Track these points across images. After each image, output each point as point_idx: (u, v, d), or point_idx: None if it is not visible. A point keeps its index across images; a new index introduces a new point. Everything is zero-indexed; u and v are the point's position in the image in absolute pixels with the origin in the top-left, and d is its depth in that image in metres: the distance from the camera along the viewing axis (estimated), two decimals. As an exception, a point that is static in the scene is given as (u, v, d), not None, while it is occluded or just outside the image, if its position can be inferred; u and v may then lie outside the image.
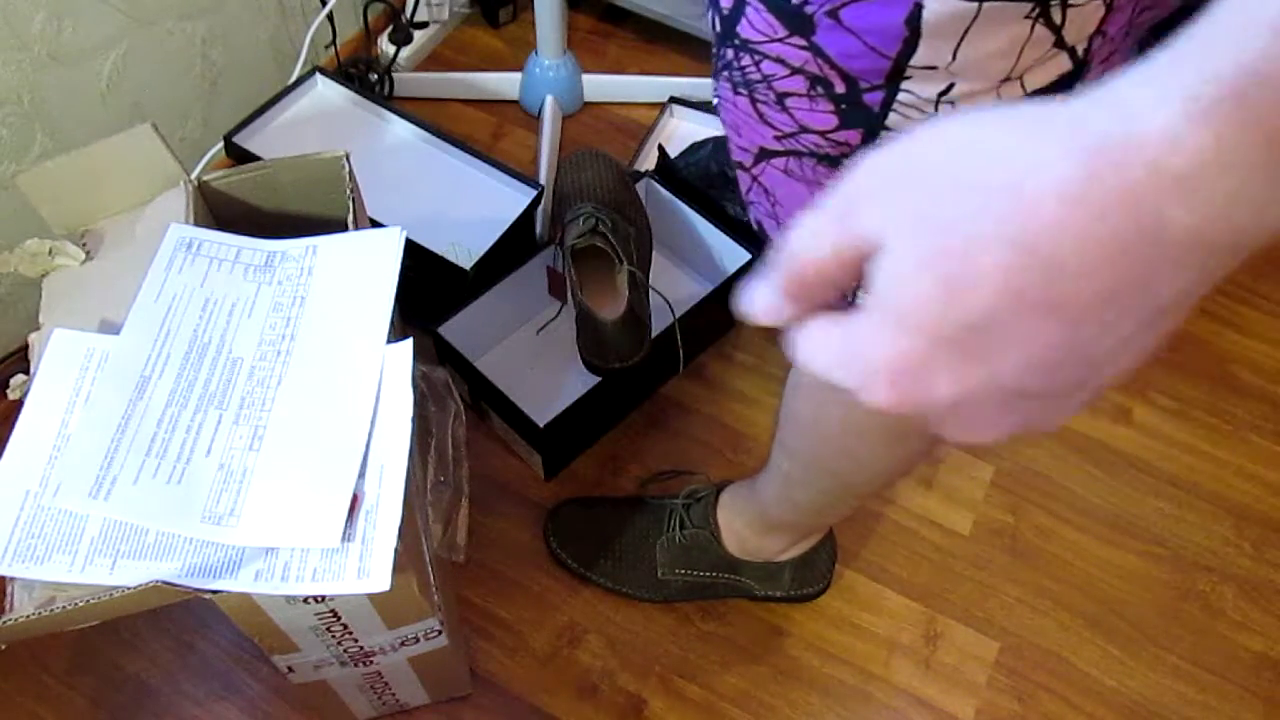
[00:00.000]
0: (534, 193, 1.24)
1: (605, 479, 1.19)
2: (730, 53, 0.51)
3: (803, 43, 0.46)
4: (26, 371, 0.72)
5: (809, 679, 1.06)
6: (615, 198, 1.17)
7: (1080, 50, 0.44)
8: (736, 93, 0.53)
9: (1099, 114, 0.24)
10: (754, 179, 0.59)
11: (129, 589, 0.61)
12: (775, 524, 0.99)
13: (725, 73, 0.53)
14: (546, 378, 1.21)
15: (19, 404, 0.69)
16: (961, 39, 0.42)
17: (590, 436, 1.20)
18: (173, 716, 1.02)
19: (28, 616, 0.61)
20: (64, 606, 0.61)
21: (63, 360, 0.71)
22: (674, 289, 1.23)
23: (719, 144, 1.31)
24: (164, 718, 1.02)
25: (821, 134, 0.50)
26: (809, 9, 0.45)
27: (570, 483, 1.19)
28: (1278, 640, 1.10)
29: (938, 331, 0.27)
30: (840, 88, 0.47)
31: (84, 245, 0.81)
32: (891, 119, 0.47)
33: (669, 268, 1.31)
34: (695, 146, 1.33)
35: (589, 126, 1.54)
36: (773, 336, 1.31)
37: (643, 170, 1.30)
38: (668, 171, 1.29)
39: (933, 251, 0.26)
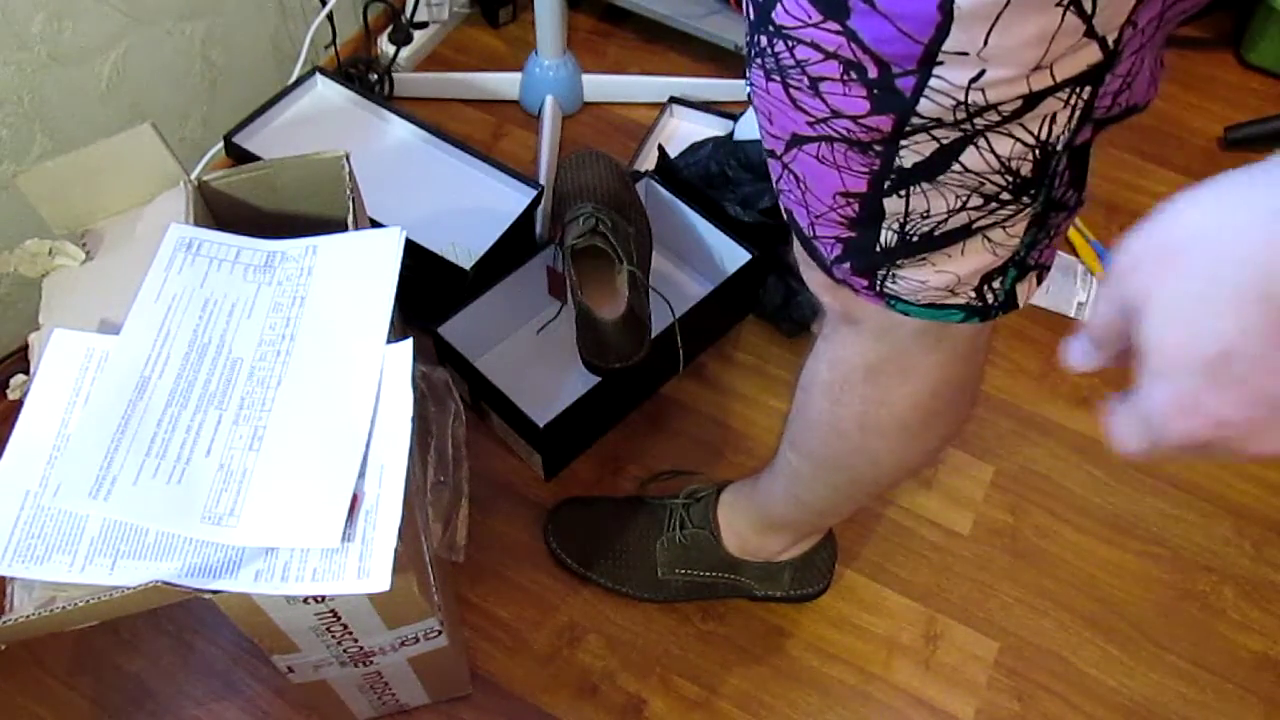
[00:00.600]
0: (534, 193, 1.24)
1: (605, 479, 1.19)
2: (764, 39, 0.52)
3: (837, 27, 0.47)
4: (26, 371, 0.72)
5: (809, 679, 1.06)
6: (615, 198, 1.17)
7: (1111, 40, 0.44)
8: (770, 79, 0.53)
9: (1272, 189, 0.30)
10: (785, 167, 0.59)
11: (129, 589, 0.61)
12: (778, 523, 0.99)
13: (759, 60, 0.53)
14: (546, 378, 1.21)
15: (19, 404, 0.69)
16: (993, 25, 0.43)
17: (590, 436, 1.21)
18: (173, 716, 1.02)
19: (28, 616, 0.61)
20: (64, 606, 0.61)
21: (63, 360, 0.71)
22: (674, 289, 1.23)
23: (719, 144, 1.32)
24: (164, 718, 1.02)
25: (854, 119, 0.51)
26: None
27: (570, 483, 1.19)
28: (1278, 640, 1.10)
29: (1194, 368, 0.33)
30: (873, 72, 0.48)
31: (84, 245, 0.81)
32: (923, 105, 0.48)
33: (669, 268, 1.32)
34: (695, 146, 1.34)
35: (589, 126, 1.54)
36: (773, 337, 1.31)
37: (643, 170, 1.30)
38: (668, 171, 1.29)
39: (1177, 306, 0.33)
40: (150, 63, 1.23)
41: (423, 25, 1.56)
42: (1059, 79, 0.45)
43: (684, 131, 1.49)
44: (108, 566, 0.62)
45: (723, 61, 1.58)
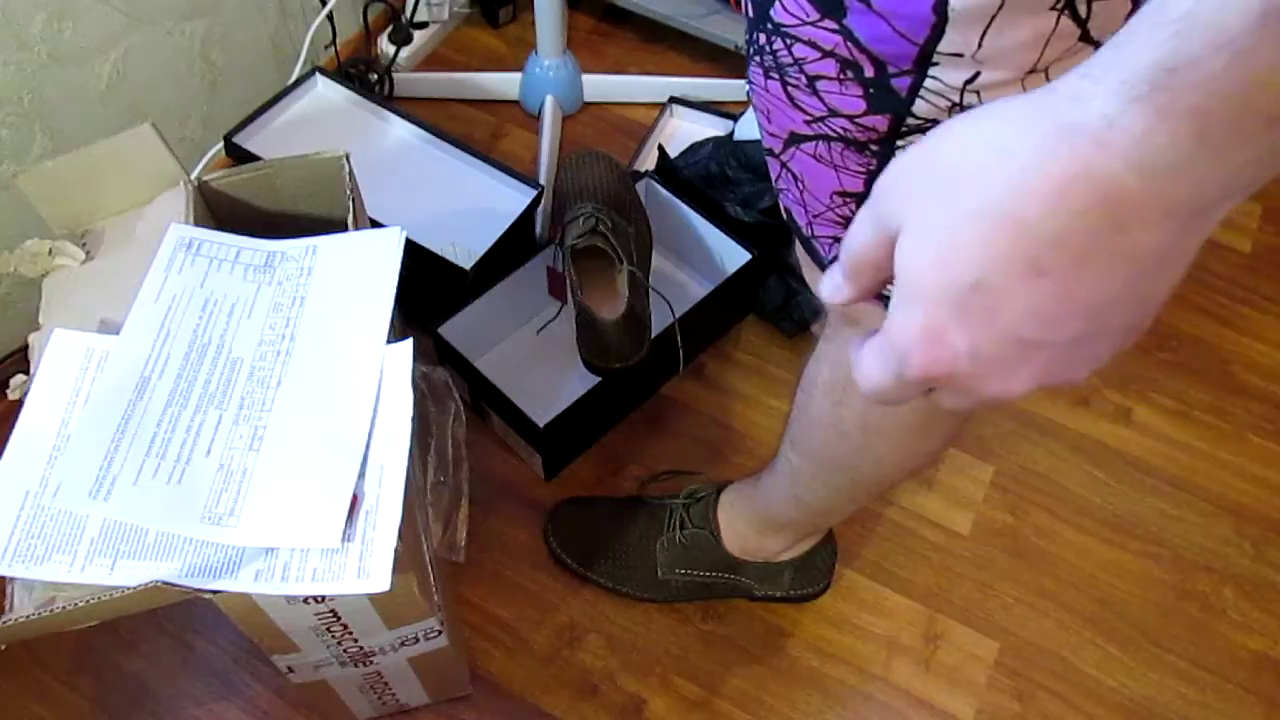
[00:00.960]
0: (534, 193, 1.24)
1: (605, 479, 1.19)
2: (763, 37, 0.52)
3: (834, 26, 0.47)
4: (26, 371, 0.72)
5: (809, 679, 1.06)
6: (615, 198, 1.17)
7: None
8: (769, 77, 0.54)
9: (1057, 102, 0.29)
10: (784, 165, 0.59)
11: (129, 589, 0.61)
12: (779, 523, 0.99)
13: (758, 58, 0.54)
14: (546, 378, 1.21)
15: (19, 404, 0.69)
16: (987, 27, 0.43)
17: (590, 436, 1.20)
18: (173, 716, 1.02)
19: (28, 616, 0.61)
20: (64, 606, 0.61)
21: (63, 360, 0.71)
22: (674, 289, 1.23)
23: (719, 144, 1.32)
24: (164, 718, 1.02)
25: (850, 118, 0.51)
26: None
27: (570, 483, 1.19)
28: (1278, 640, 1.10)
29: (942, 297, 0.31)
30: (870, 71, 0.48)
31: (84, 245, 0.81)
32: (918, 105, 0.48)
33: (669, 268, 1.31)
34: (695, 146, 1.33)
35: (589, 126, 1.54)
36: (773, 337, 1.31)
37: (643, 170, 1.30)
38: (668, 171, 1.29)
39: (927, 228, 0.31)
40: (150, 63, 1.23)
41: (423, 25, 1.56)
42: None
43: (684, 131, 1.49)
44: (108, 566, 0.62)
45: (723, 61, 1.58)
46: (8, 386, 0.74)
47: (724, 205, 1.23)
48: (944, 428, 0.76)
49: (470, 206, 1.26)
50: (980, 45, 0.43)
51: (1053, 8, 0.42)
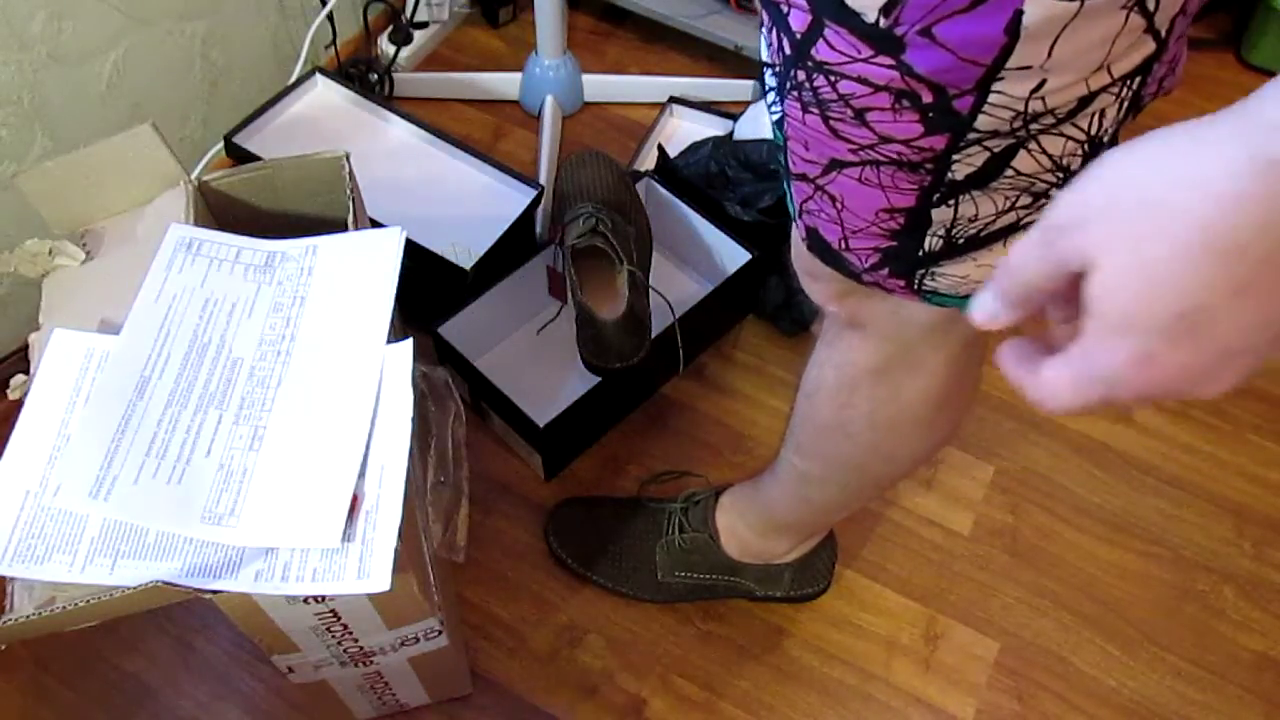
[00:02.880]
0: (534, 193, 1.24)
1: (605, 479, 1.19)
2: (801, 74, 0.50)
3: (890, 62, 0.46)
4: (26, 371, 0.72)
5: (809, 679, 1.06)
6: (615, 198, 1.17)
7: (1163, 32, 0.44)
8: (807, 111, 0.52)
9: (1253, 130, 0.30)
10: (818, 188, 0.58)
11: (129, 589, 0.61)
12: (783, 525, 0.99)
13: (795, 93, 0.52)
14: (546, 378, 1.21)
15: (19, 404, 0.69)
16: (1058, 36, 0.42)
17: (590, 436, 1.20)
18: (173, 716, 1.02)
19: (28, 616, 0.61)
20: (64, 606, 0.61)
21: (63, 360, 0.71)
22: (674, 289, 1.23)
23: (719, 144, 1.31)
24: (164, 718, 1.02)
25: (905, 142, 0.50)
26: (899, 30, 0.44)
27: (570, 483, 1.19)
28: (1278, 640, 1.10)
29: (1152, 327, 0.32)
30: (928, 98, 0.47)
31: (84, 245, 0.81)
32: (980, 120, 0.47)
33: (669, 268, 1.31)
34: (695, 146, 1.33)
35: (589, 126, 1.54)
36: (773, 337, 1.31)
37: (643, 170, 1.30)
38: (668, 171, 1.29)
39: (1131, 265, 0.32)
40: (150, 63, 1.23)
41: (423, 25, 1.56)
42: (1116, 75, 0.45)
43: (684, 131, 1.49)
44: (108, 566, 0.62)
45: (723, 61, 1.58)
46: (8, 386, 0.74)
47: (724, 205, 1.23)
48: (953, 417, 0.76)
49: (470, 206, 1.26)
50: (1050, 55, 0.43)
51: (1123, 6, 0.41)
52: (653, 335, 1.10)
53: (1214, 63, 1.64)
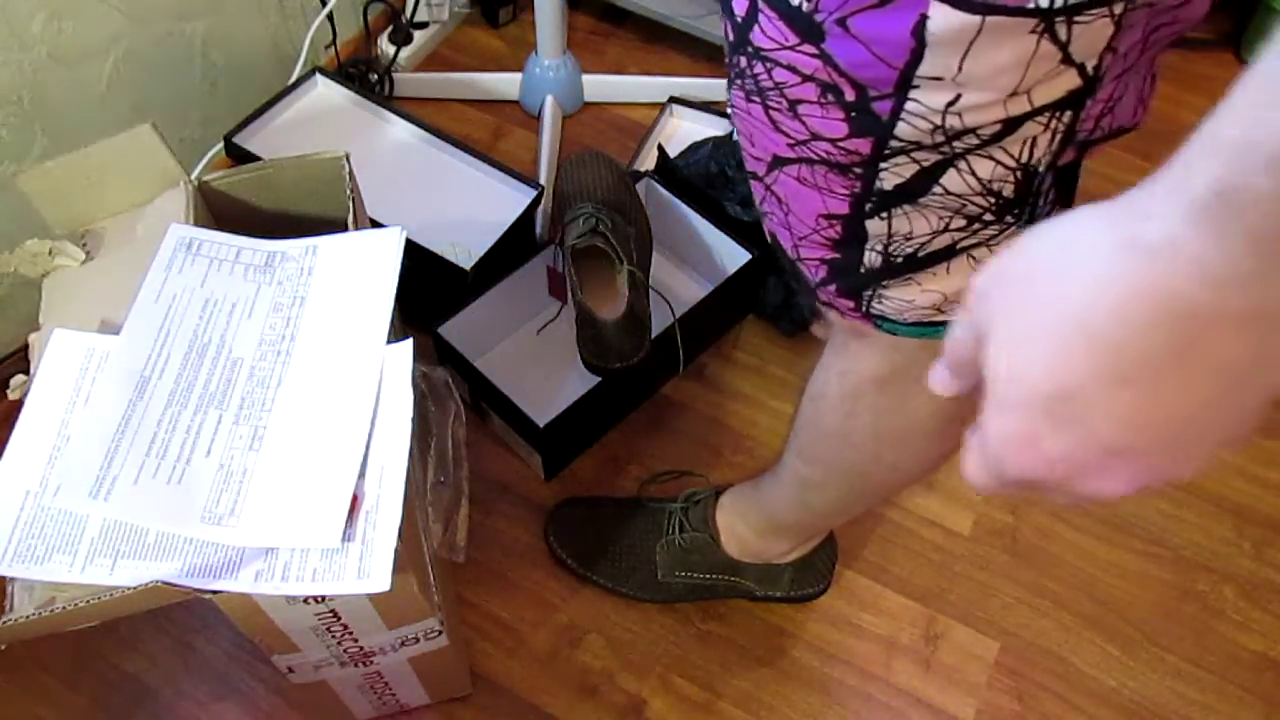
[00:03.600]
0: (534, 193, 1.24)
1: (605, 479, 1.19)
2: (744, 60, 0.51)
3: (814, 50, 0.46)
4: (26, 371, 0.72)
5: (809, 679, 1.06)
6: (615, 198, 1.17)
7: (1090, 67, 0.44)
8: (750, 100, 0.53)
9: (1129, 218, 0.30)
10: (768, 188, 0.59)
11: (129, 589, 0.61)
12: (783, 527, 0.99)
13: (739, 81, 0.53)
14: (546, 378, 1.21)
15: (19, 404, 0.69)
16: (967, 51, 0.42)
17: (590, 436, 1.20)
18: (173, 716, 1.02)
19: (28, 616, 0.61)
20: (64, 606, 0.61)
21: (63, 360, 0.71)
22: (674, 289, 1.23)
23: (719, 144, 1.31)
24: (164, 718, 1.02)
25: (833, 142, 0.50)
26: (819, 17, 0.45)
27: (570, 483, 1.19)
28: (1278, 640, 1.10)
29: (1030, 404, 0.32)
30: (850, 95, 0.47)
31: (84, 245, 0.81)
32: (900, 128, 0.47)
33: (669, 268, 1.31)
34: (695, 146, 1.33)
35: (589, 126, 1.54)
36: (773, 337, 1.31)
37: (643, 170, 1.30)
38: (668, 171, 1.29)
39: (1009, 338, 0.32)
40: (150, 63, 1.23)
41: (423, 25, 1.56)
42: (1037, 104, 0.45)
43: (684, 131, 1.49)
44: (108, 566, 0.62)
45: (722, 61, 1.57)
46: (8, 386, 0.74)
47: (724, 205, 1.23)
48: (958, 430, 0.75)
49: (470, 207, 1.26)
50: (960, 69, 0.43)
51: (1032, 31, 0.41)
52: (653, 335, 1.10)
53: (1213, 63, 1.64)
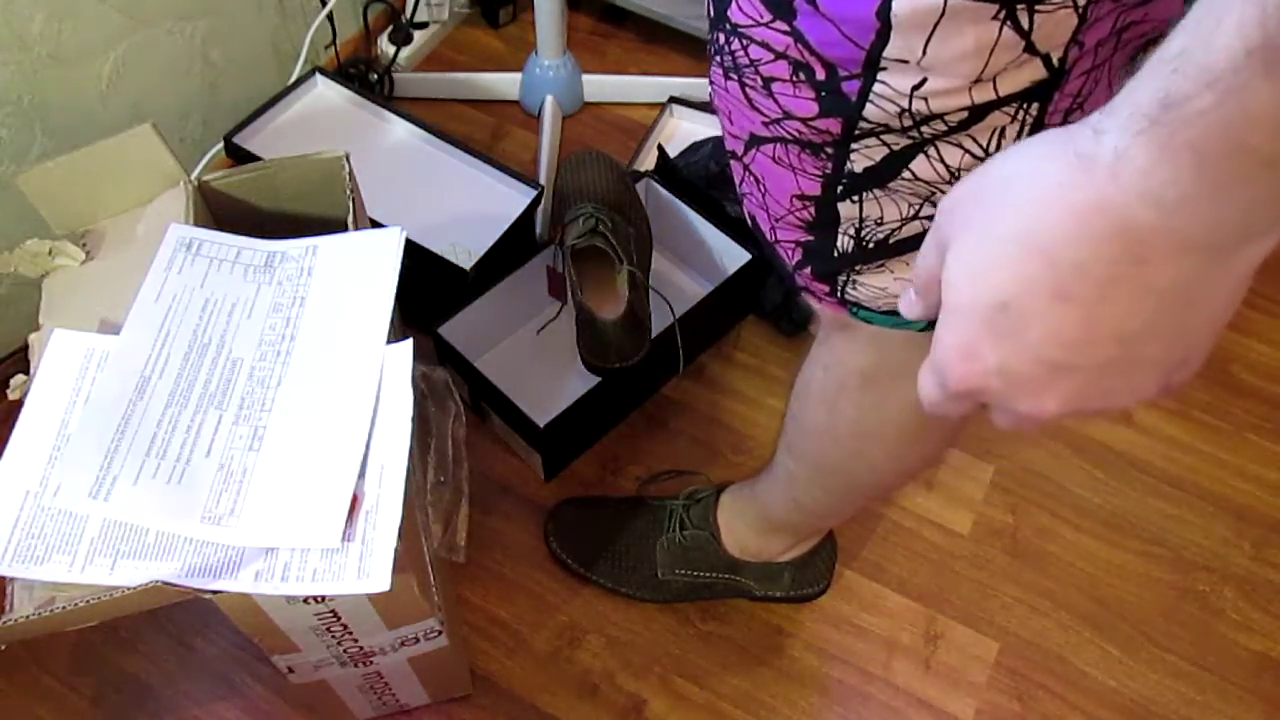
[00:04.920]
0: (534, 193, 1.24)
1: (605, 479, 1.19)
2: (722, 37, 0.53)
3: (785, 27, 0.47)
4: (26, 371, 0.72)
5: (809, 679, 1.06)
6: (615, 198, 1.17)
7: (1055, 59, 0.44)
8: (728, 78, 0.54)
9: (1081, 135, 0.30)
10: (746, 169, 0.60)
11: (129, 589, 0.61)
12: (777, 525, 0.99)
13: (718, 57, 0.54)
14: (546, 378, 1.21)
15: (19, 404, 0.69)
16: (931, 34, 0.43)
17: (590, 436, 1.20)
18: (173, 716, 1.02)
19: (28, 617, 0.61)
20: (64, 607, 0.61)
21: (63, 360, 0.71)
22: (674, 289, 1.23)
23: (719, 144, 1.31)
24: (164, 718, 1.02)
25: (804, 121, 0.51)
26: None
27: (570, 483, 1.19)
28: (1278, 640, 1.10)
29: (974, 314, 0.33)
30: (821, 74, 0.48)
31: (84, 245, 0.81)
32: (869, 110, 0.48)
33: (669, 268, 1.31)
34: (695, 146, 1.33)
35: (589, 126, 1.54)
36: (773, 337, 1.31)
37: (643, 170, 1.30)
38: (668, 171, 1.29)
39: (965, 249, 0.33)
40: (150, 63, 1.23)
41: (423, 25, 1.56)
42: (1002, 93, 0.46)
43: (684, 131, 1.49)
44: (108, 566, 0.62)
45: (723, 61, 1.58)
46: (8, 386, 0.74)
47: (724, 205, 1.23)
48: (939, 434, 0.75)
49: (470, 207, 1.26)
50: (925, 52, 0.44)
51: (994, 17, 0.42)
52: (653, 335, 1.10)
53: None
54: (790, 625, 1.09)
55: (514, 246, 1.21)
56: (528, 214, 1.23)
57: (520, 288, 1.20)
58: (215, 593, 0.62)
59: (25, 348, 0.75)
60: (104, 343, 0.72)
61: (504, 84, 1.54)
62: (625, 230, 1.13)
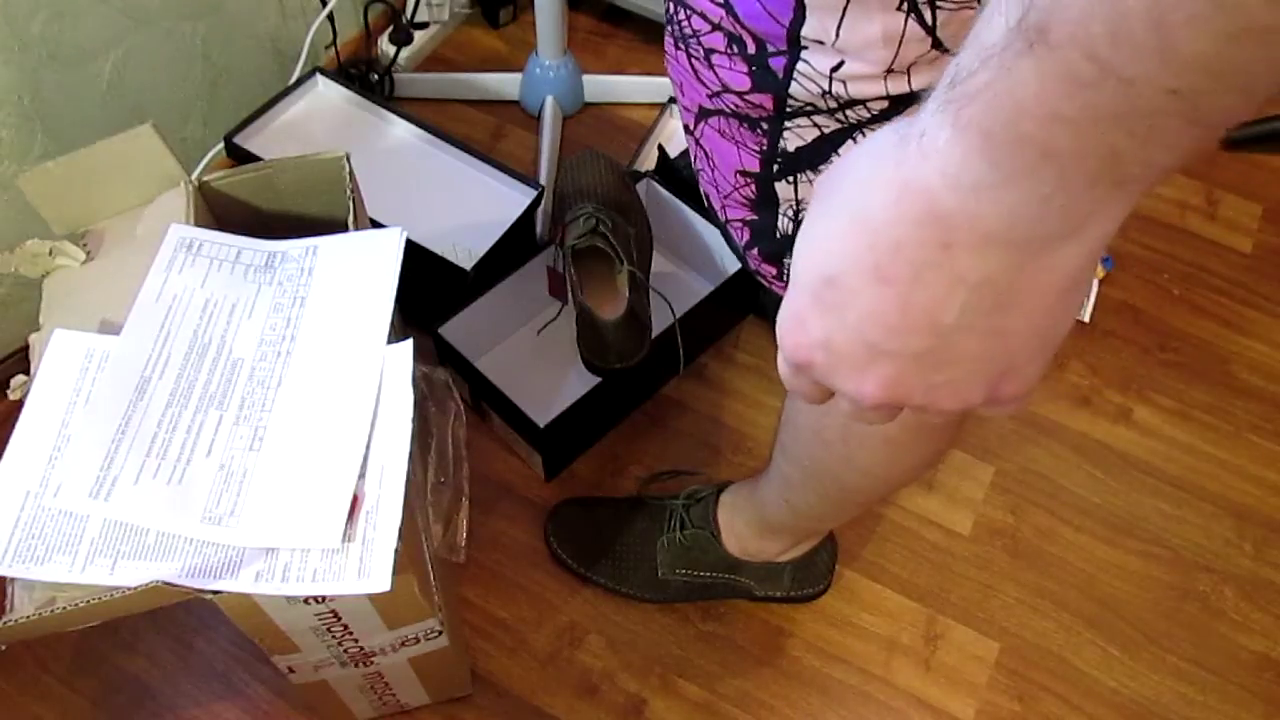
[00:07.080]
0: (534, 193, 1.24)
1: (605, 479, 1.19)
2: (672, 6, 0.54)
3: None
4: (26, 371, 0.72)
5: (809, 679, 1.06)
6: (615, 198, 1.17)
7: None
8: (677, 47, 0.56)
9: (911, 115, 0.30)
10: (697, 143, 0.61)
11: (129, 589, 0.61)
12: (774, 527, 0.99)
13: (670, 27, 0.56)
14: (546, 378, 1.21)
15: (19, 404, 0.69)
16: (841, 18, 0.44)
17: (590, 436, 1.20)
18: (173, 716, 1.02)
19: (28, 617, 0.61)
20: (64, 607, 0.61)
21: (63, 360, 0.71)
22: (674, 289, 1.23)
23: (719, 144, 1.32)
24: (164, 718, 1.02)
25: (739, 94, 0.53)
26: None
27: (570, 483, 1.19)
28: (1278, 640, 1.10)
29: (805, 286, 0.33)
30: (751, 48, 0.50)
31: (84, 245, 0.81)
32: (794, 88, 0.49)
33: (669, 268, 1.31)
34: (695, 146, 1.33)
35: (589, 127, 1.54)
36: (773, 337, 1.31)
37: (643, 170, 1.30)
38: (668, 171, 1.29)
39: (808, 223, 0.34)
40: (150, 63, 1.23)
41: (423, 25, 1.56)
42: (915, 87, 0.46)
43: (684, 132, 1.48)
44: (108, 567, 0.62)
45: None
46: (8, 386, 0.74)
47: (724, 205, 1.23)
48: (927, 443, 0.75)
49: (470, 207, 1.26)
50: (838, 35, 0.45)
51: (899, 8, 0.43)
52: (653, 335, 1.10)
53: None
54: (790, 625, 1.09)
55: (514, 247, 1.21)
56: (528, 214, 1.23)
57: (520, 288, 1.20)
58: (215, 593, 0.62)
59: (25, 348, 0.75)
60: (104, 343, 0.72)
61: (504, 84, 1.54)
62: (625, 230, 1.13)
